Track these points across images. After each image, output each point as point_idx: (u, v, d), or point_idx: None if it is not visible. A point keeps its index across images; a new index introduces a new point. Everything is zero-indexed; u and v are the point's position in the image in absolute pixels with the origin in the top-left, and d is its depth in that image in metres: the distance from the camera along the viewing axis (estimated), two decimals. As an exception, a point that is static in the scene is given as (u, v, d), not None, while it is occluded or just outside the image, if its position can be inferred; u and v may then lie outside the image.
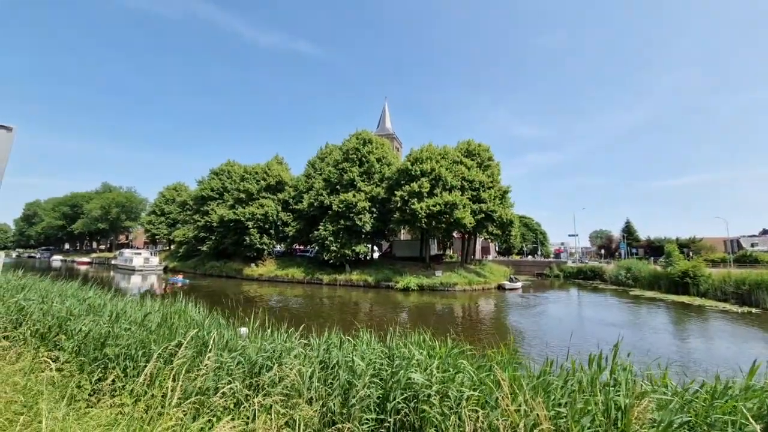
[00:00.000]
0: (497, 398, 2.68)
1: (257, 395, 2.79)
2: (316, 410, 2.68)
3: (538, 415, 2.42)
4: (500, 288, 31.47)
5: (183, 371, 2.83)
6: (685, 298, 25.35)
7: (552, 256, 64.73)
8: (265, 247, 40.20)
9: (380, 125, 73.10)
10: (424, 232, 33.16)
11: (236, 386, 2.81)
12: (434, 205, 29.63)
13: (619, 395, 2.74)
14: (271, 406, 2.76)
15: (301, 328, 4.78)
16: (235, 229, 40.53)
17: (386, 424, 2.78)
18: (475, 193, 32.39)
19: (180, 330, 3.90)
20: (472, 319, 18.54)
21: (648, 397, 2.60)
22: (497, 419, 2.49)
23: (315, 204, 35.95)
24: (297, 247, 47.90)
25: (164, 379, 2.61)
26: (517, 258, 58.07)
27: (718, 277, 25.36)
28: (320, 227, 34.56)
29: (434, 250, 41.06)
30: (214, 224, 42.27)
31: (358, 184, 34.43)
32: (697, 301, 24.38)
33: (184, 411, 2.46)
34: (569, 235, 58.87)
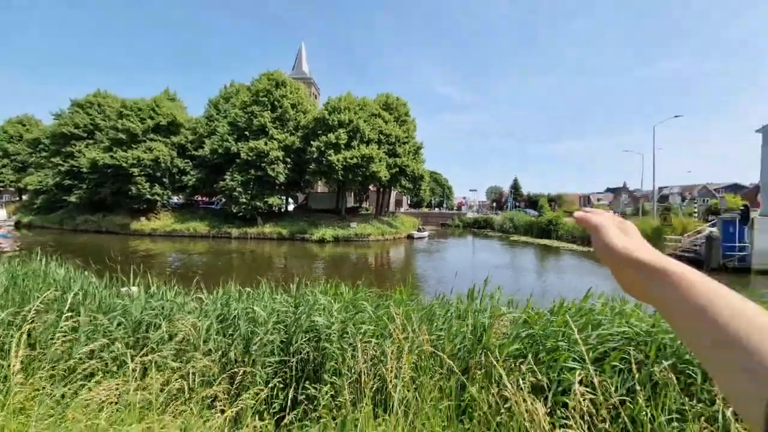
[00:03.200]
0: (391, 330, 3.02)
1: (144, 355, 2.61)
2: (215, 360, 2.67)
3: (422, 339, 2.84)
4: (410, 237, 34.17)
5: (43, 338, 2.45)
6: (548, 242, 31.54)
7: (455, 208, 72.07)
8: (158, 198, 34.84)
9: (296, 67, 66.44)
10: (340, 184, 33.06)
11: (117, 347, 2.58)
12: (351, 158, 29.41)
13: (484, 318, 3.34)
14: (160, 363, 2.63)
15: (200, 285, 4.50)
16: (115, 177, 33.78)
17: (289, 364, 2.94)
18: (391, 147, 33.03)
19: (36, 294, 3.29)
20: (383, 266, 19.99)
21: (504, 316, 3.24)
22: (389, 347, 2.83)
23: (219, 151, 31.99)
24: (199, 198, 42.95)
25: (16, 348, 2.23)
26: (426, 210, 63.13)
27: (572, 224, 32.06)
28: (227, 177, 31.32)
29: (350, 202, 41.65)
30: (85, 170, 34.49)
31: (271, 131, 31.61)
32: (556, 243, 30.59)
33: (47, 378, 2.17)
34: (470, 190, 65.99)
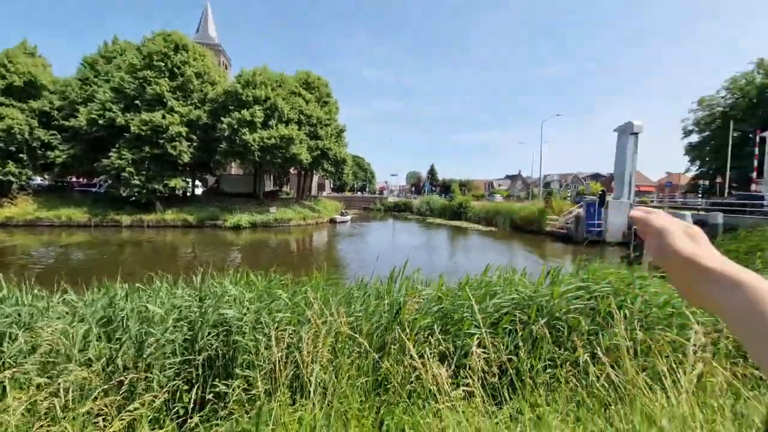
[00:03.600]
0: (309, 316, 2.98)
1: (-4, 372, 2.10)
2: (96, 370, 2.27)
3: (340, 322, 2.87)
4: (332, 222, 33.93)
5: None
6: (458, 223, 34.76)
7: (377, 192, 73.80)
8: (12, 179, 27.47)
9: (200, 31, 58.26)
10: (258, 166, 30.71)
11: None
12: (269, 138, 27.44)
13: (401, 296, 3.52)
14: (21, 379, 2.15)
15: (80, 284, 3.75)
16: (-62, 150, 25.49)
17: (195, 363, 2.69)
18: (312, 129, 31.79)
19: None
20: (305, 251, 19.52)
21: (418, 294, 3.46)
22: (306, 333, 2.79)
23: (100, 122, 26.44)
24: (74, 180, 35.32)
25: None
26: (349, 194, 63.27)
27: (478, 207, 36.00)
28: (112, 154, 26.25)
29: (269, 186, 39.19)
30: None
31: (170, 103, 27.30)
32: (465, 224, 33.88)
33: None
34: (391, 175, 68.14)
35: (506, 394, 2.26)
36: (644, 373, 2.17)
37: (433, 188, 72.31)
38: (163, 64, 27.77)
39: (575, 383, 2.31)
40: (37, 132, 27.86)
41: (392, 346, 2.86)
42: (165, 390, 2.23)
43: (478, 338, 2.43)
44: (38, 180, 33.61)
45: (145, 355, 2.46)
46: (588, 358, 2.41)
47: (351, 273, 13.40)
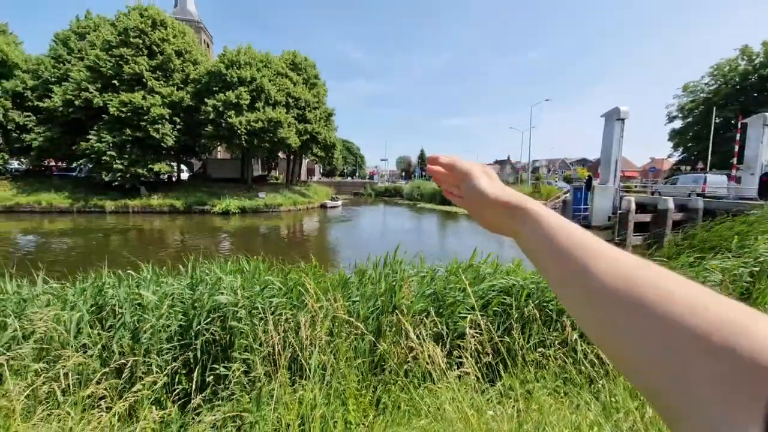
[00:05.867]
0: (305, 301, 3.01)
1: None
2: (94, 355, 2.27)
3: (336, 306, 2.91)
4: (323, 207, 33.74)
5: None
6: (448, 208, 35.04)
7: (367, 177, 73.31)
8: (-16, 163, 26.32)
9: (179, 5, 55.38)
10: (245, 150, 30.00)
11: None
12: (256, 121, 26.75)
13: (395, 281, 3.58)
14: (17, 366, 2.14)
15: (70, 273, 3.68)
16: None
17: (192, 347, 2.71)
18: (300, 112, 31.09)
19: None
20: (296, 237, 19.45)
21: (412, 278, 3.53)
22: (303, 317, 2.84)
23: (77, 103, 25.29)
24: (54, 164, 33.90)
25: None
26: (339, 179, 62.70)
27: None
28: (91, 137, 25.25)
29: (258, 170, 38.50)
30: None
31: (150, 83, 26.20)
32: (454, 209, 34.18)
33: None
34: (381, 160, 67.57)
35: (499, 372, 2.36)
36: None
37: (423, 173, 72.22)
38: (140, 41, 26.45)
39: (563, 361, 2.43)
40: (11, 114, 26.50)
41: (388, 329, 2.93)
42: (164, 373, 2.26)
43: (471, 320, 2.52)
44: (15, 164, 32.20)
45: (142, 341, 2.46)
46: (577, 337, 2.53)
47: (344, 257, 13.47)
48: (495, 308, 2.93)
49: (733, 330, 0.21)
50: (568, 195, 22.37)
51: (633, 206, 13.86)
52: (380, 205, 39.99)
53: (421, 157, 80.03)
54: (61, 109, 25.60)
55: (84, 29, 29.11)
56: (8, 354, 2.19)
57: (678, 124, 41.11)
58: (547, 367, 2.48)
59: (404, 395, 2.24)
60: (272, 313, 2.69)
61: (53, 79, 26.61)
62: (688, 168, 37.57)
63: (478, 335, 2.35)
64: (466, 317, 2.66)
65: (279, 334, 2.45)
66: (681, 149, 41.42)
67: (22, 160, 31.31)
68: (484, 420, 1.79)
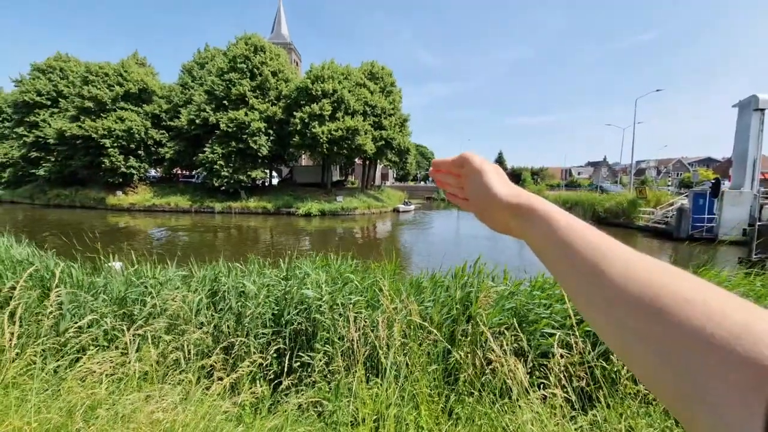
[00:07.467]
0: (381, 301, 3.11)
1: (136, 329, 2.63)
2: (208, 332, 2.71)
3: (411, 310, 2.94)
4: (396, 211, 34.35)
5: (26, 315, 2.40)
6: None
7: (442, 182, 72.17)
8: (134, 172, 33.43)
9: (275, 31, 62.74)
10: (325, 157, 32.39)
11: (106, 322, 2.57)
12: (336, 130, 28.69)
13: (472, 290, 3.46)
14: (153, 336, 2.65)
15: (188, 261, 4.46)
16: (85, 149, 32.02)
17: (282, 335, 3.02)
18: (376, 119, 32.31)
19: (9, 273, 3.21)
20: (370, 239, 20.18)
21: (491, 289, 3.37)
22: (378, 316, 2.93)
23: (197, 121, 30.57)
24: (180, 172, 41.45)
25: (9, 324, 2.20)
26: (412, 184, 63.16)
27: (552, 198, 33.06)
28: (206, 149, 30.18)
29: (336, 176, 41.13)
30: (51, 141, 32.49)
31: (251, 101, 30.24)
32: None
33: (33, 355, 2.17)
34: (457, 164, 65.89)
35: (592, 401, 2.10)
36: None
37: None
38: (244, 66, 30.72)
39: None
40: (151, 132, 33.27)
41: (462, 338, 2.85)
42: (259, 355, 2.56)
43: (559, 339, 2.30)
44: (153, 172, 40.15)
45: (244, 324, 2.84)
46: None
47: (417, 262, 13.51)
48: (587, 328, 2.62)
49: (751, 339, 0.21)
50: (685, 201, 18.67)
51: (780, 217, 10.98)
52: (453, 210, 39.05)
53: (499, 161, 75.90)
54: (186, 127, 31.16)
55: (204, 59, 35.05)
56: (146, 327, 2.74)
57: None
58: (655, 403, 2.12)
59: (480, 408, 2.15)
60: (351, 310, 2.85)
61: (181, 103, 32.56)
62: None
63: (567, 355, 2.13)
64: (554, 335, 2.43)
65: (357, 331, 2.58)
66: None
67: (158, 169, 38.88)
68: (574, 450, 1.61)
